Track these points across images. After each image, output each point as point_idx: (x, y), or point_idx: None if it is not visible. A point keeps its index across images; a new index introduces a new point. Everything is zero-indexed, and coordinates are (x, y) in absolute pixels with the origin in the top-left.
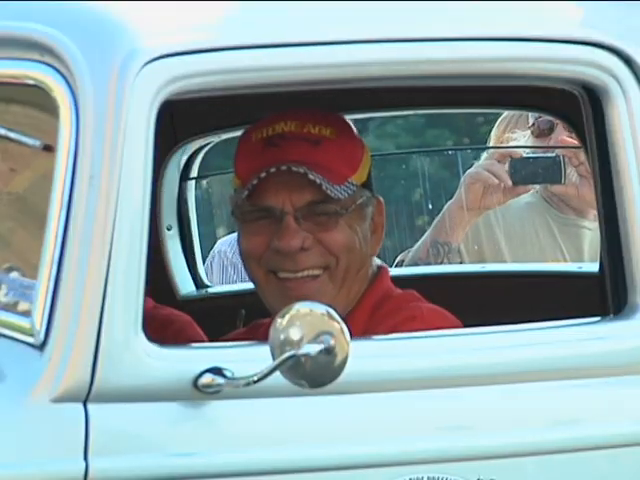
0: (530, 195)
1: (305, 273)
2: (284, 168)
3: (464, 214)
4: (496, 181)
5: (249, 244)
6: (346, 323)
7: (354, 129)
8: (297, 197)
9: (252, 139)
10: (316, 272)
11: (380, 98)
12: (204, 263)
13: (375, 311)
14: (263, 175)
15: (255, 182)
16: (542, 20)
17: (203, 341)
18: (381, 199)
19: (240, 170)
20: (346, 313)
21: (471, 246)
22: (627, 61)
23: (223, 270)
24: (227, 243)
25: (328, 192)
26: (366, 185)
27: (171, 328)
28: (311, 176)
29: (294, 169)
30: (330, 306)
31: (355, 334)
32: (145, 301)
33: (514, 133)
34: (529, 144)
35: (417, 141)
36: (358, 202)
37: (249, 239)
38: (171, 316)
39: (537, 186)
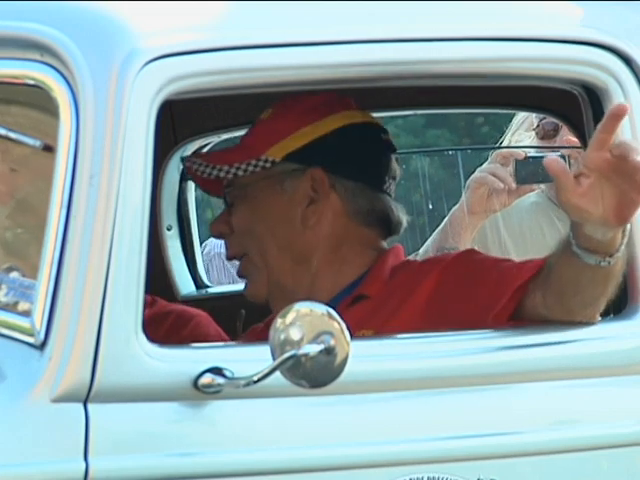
0: (535, 195)
1: (238, 257)
2: (188, 163)
3: (470, 218)
4: (501, 185)
5: None
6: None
7: (308, 106)
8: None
9: None
10: (240, 256)
11: (380, 98)
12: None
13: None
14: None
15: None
16: (542, 20)
17: (221, 337)
18: (320, 170)
19: None
20: (361, 275)
21: (477, 248)
22: (627, 61)
23: (225, 271)
24: (220, 244)
25: (205, 176)
26: (294, 159)
27: (189, 324)
28: (187, 163)
29: (187, 164)
30: (278, 286)
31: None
32: (155, 302)
33: (519, 135)
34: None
35: (417, 141)
36: (271, 177)
37: None
38: (188, 312)
39: (542, 186)
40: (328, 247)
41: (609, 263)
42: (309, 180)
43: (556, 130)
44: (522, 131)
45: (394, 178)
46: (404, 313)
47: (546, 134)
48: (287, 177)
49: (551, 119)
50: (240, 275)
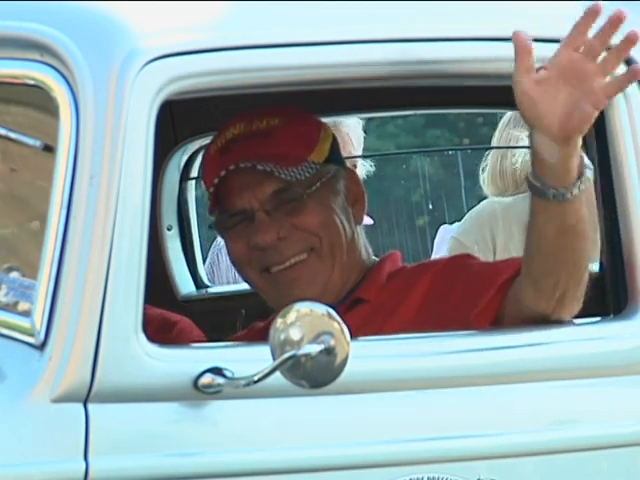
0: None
1: (293, 261)
2: (232, 168)
3: None
4: None
5: (235, 250)
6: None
7: (306, 112)
8: (259, 191)
9: (211, 152)
10: (303, 256)
11: (380, 98)
12: (204, 262)
13: (390, 279)
14: (216, 181)
15: (212, 190)
16: (542, 20)
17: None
18: (353, 169)
19: (207, 185)
20: (358, 281)
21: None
22: (627, 61)
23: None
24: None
25: (282, 177)
26: (331, 160)
27: (174, 329)
28: (260, 167)
29: (242, 165)
30: (328, 284)
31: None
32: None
33: (521, 133)
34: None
35: (417, 141)
36: (324, 179)
37: (233, 246)
38: (171, 316)
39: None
40: (353, 249)
41: (563, 195)
42: (348, 180)
43: None
44: (524, 129)
45: None
46: (399, 317)
47: None
48: (334, 178)
49: None
50: (291, 281)
